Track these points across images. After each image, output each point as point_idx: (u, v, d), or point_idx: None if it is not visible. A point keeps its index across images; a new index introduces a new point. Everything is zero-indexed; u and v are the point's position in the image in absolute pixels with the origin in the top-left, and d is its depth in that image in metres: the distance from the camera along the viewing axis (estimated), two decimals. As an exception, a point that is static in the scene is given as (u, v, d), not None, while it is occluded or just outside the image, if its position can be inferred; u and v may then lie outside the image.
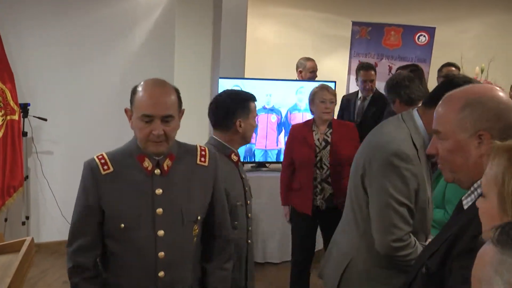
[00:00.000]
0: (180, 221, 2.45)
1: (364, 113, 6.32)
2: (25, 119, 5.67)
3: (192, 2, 5.06)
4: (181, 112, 2.45)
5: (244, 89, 5.92)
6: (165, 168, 2.44)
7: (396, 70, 5.55)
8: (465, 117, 1.80)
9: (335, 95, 4.74)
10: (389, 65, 7.76)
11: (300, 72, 6.79)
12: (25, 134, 5.68)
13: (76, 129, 6.09)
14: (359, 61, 7.64)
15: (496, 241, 1.07)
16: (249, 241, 3.29)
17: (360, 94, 6.41)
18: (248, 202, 3.29)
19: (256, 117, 3.35)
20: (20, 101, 5.60)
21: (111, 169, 2.39)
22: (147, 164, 2.41)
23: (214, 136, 3.26)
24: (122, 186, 2.40)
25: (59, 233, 6.00)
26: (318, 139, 4.70)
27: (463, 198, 1.88)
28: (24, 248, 1.96)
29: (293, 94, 6.08)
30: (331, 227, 3.32)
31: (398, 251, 2.51)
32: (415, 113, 2.63)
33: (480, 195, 1.53)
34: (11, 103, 5.48)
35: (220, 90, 5.50)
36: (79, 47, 6.01)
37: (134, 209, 2.39)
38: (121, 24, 6.19)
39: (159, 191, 2.40)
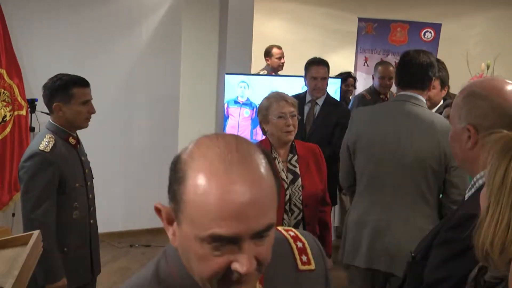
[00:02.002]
0: None
1: (315, 121, 5.09)
2: (33, 115, 5.69)
3: (198, -2, 5.08)
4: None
5: (250, 85, 5.99)
6: None
7: None
8: (462, 107, 1.82)
9: (295, 105, 3.35)
10: (395, 61, 7.74)
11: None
12: (32, 129, 5.72)
13: (83, 124, 6.11)
14: (365, 57, 7.64)
15: None
16: (91, 221, 3.33)
17: (309, 97, 5.17)
18: (89, 183, 3.33)
19: (88, 101, 3.25)
20: (28, 96, 5.63)
21: None
22: None
23: (50, 120, 3.21)
24: None
25: (66, 227, 6.04)
26: (283, 170, 3.29)
27: (466, 191, 1.87)
28: (31, 242, 1.98)
29: (299, 89, 6.08)
30: None
31: None
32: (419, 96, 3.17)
33: (482, 186, 1.55)
34: (19, 98, 5.53)
35: (227, 87, 5.54)
36: (85, 43, 6.04)
37: None
38: (128, 20, 6.22)
39: None
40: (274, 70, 7.02)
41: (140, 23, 6.28)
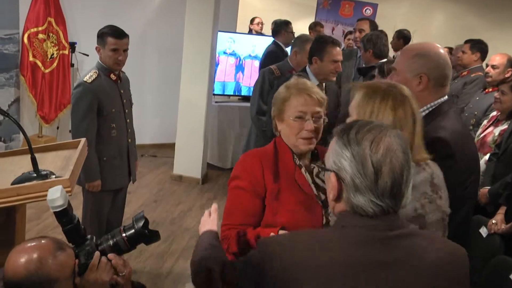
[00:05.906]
0: None
1: None
2: (73, 54, 5.70)
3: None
4: None
5: (235, 41, 5.99)
6: None
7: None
8: (413, 63, 1.95)
9: (323, 102, 1.86)
10: (343, 30, 7.82)
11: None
12: (72, 65, 5.74)
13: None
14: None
15: (336, 133, 1.19)
16: (130, 140, 3.30)
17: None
18: (127, 110, 3.25)
19: (116, 50, 3.02)
20: (70, 40, 5.63)
21: None
22: None
23: (98, 60, 3.14)
24: None
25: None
26: (312, 184, 1.84)
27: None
28: (80, 146, 2.06)
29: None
30: None
31: None
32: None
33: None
34: (63, 41, 5.53)
35: (218, 41, 5.55)
36: (115, 2, 5.94)
37: None
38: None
39: None
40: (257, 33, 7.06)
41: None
